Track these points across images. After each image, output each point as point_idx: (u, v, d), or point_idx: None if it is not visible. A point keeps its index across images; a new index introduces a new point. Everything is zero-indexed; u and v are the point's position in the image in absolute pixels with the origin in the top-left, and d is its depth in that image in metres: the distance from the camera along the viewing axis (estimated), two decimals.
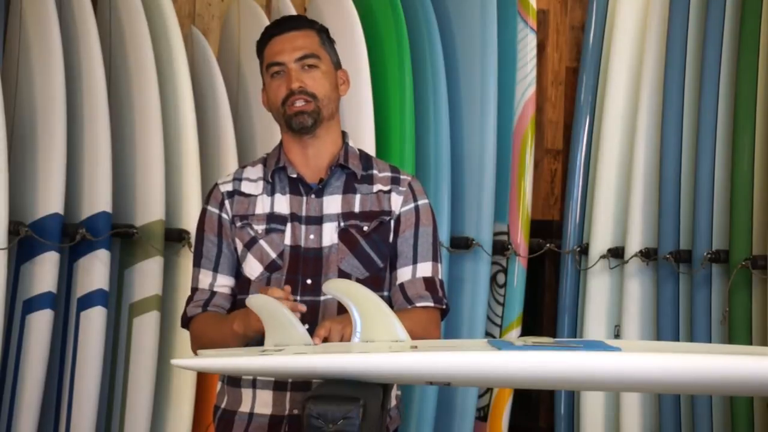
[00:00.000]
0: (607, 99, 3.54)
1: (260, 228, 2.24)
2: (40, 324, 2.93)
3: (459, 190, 3.44)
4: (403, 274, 2.26)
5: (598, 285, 3.54)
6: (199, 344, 2.23)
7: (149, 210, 3.15)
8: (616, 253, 3.47)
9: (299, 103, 2.23)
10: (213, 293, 2.27)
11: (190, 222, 3.18)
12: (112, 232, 3.07)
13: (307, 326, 2.15)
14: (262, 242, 2.23)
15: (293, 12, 3.40)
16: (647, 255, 3.36)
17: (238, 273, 2.28)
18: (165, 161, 3.14)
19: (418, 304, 2.23)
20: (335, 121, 2.30)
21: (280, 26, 2.30)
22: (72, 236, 3.00)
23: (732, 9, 3.17)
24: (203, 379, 3.19)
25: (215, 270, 2.28)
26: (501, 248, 3.51)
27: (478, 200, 3.42)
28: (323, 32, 2.32)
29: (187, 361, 1.99)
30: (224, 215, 2.28)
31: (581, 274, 3.63)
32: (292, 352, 1.86)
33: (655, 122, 3.37)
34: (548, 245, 3.64)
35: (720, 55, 3.17)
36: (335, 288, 2.01)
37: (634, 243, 3.39)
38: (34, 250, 2.96)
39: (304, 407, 1.63)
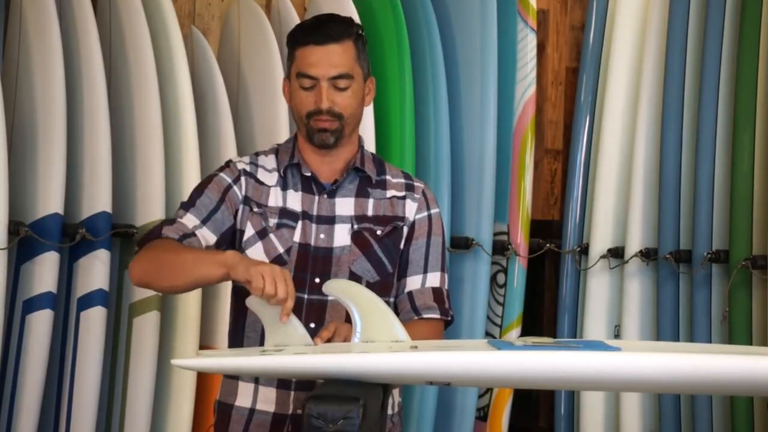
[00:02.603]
0: (607, 99, 3.54)
1: (272, 221, 2.21)
2: (40, 324, 2.93)
3: (459, 190, 3.44)
4: (413, 282, 2.25)
5: (598, 285, 3.54)
6: (155, 257, 2.13)
7: (149, 210, 3.14)
8: (616, 253, 3.47)
9: (324, 123, 2.20)
10: (193, 234, 2.17)
11: None
12: (112, 232, 3.07)
13: (313, 325, 2.16)
14: (272, 236, 2.21)
15: (293, 12, 3.40)
16: (647, 255, 3.36)
17: (220, 243, 2.21)
18: (165, 161, 3.14)
19: (425, 315, 2.23)
20: (355, 134, 2.29)
21: (320, 34, 2.22)
22: (72, 236, 3.00)
23: (732, 9, 3.17)
24: (203, 378, 3.19)
25: (203, 222, 2.19)
26: (501, 248, 3.51)
27: (478, 200, 3.42)
28: (360, 39, 2.26)
29: (187, 361, 1.99)
30: (236, 188, 2.24)
31: (581, 274, 3.63)
32: (292, 352, 1.86)
33: (655, 122, 3.37)
34: (548, 245, 3.64)
35: (720, 55, 3.17)
36: (335, 288, 2.01)
37: (634, 243, 3.39)
38: (34, 250, 2.95)
39: (304, 407, 1.63)
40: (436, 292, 2.25)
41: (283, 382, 2.20)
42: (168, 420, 3.17)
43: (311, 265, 2.20)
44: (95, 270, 3.05)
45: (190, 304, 3.18)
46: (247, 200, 2.24)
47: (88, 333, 3.02)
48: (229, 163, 2.29)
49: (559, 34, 4.03)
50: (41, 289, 2.94)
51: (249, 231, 2.22)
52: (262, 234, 2.21)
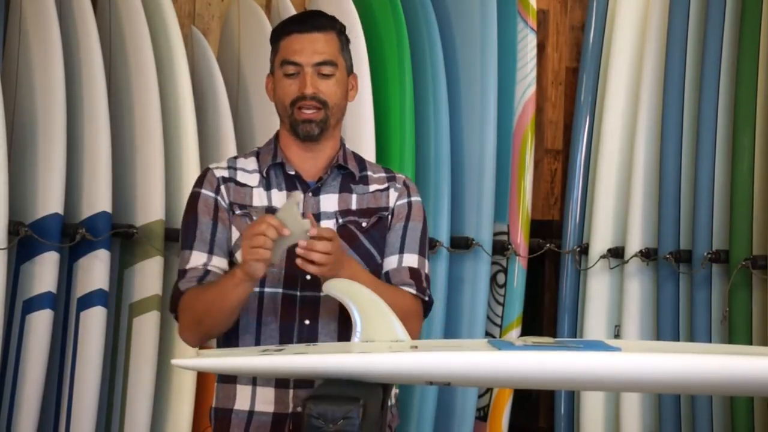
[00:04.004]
0: (607, 99, 3.54)
1: None
2: (40, 324, 2.93)
3: (459, 190, 3.43)
4: (389, 263, 2.26)
5: (598, 285, 3.54)
6: (192, 314, 2.17)
7: (149, 210, 3.15)
8: (616, 253, 3.47)
9: (309, 111, 2.21)
10: (207, 271, 2.20)
11: None
12: (112, 232, 3.07)
13: (308, 321, 2.17)
14: None
15: (293, 12, 3.40)
16: (647, 255, 3.36)
17: (230, 258, 2.24)
18: (165, 161, 3.14)
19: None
20: (338, 128, 2.30)
21: (304, 24, 2.26)
22: (72, 236, 3.00)
23: (732, 9, 3.16)
24: (203, 379, 3.19)
25: (210, 252, 2.21)
26: (501, 248, 3.51)
27: (478, 200, 3.42)
28: (343, 34, 2.29)
29: (187, 361, 1.99)
30: (220, 199, 2.24)
31: (581, 274, 3.63)
32: (292, 351, 1.86)
33: (655, 122, 3.37)
34: (548, 245, 3.64)
35: (720, 55, 3.17)
36: (335, 288, 2.01)
37: (634, 243, 3.39)
38: (34, 250, 2.96)
39: (304, 407, 1.62)
40: (413, 271, 2.25)
41: (281, 381, 2.20)
42: (168, 420, 3.17)
43: None
44: (95, 270, 3.05)
45: None
46: (232, 206, 2.24)
47: (88, 333, 3.02)
48: (206, 173, 2.29)
49: (559, 34, 4.03)
50: (41, 289, 2.94)
51: (235, 234, 2.23)
52: None
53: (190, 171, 3.20)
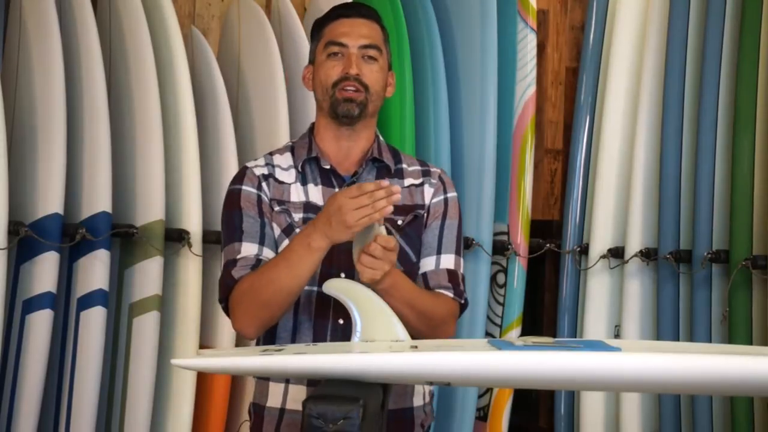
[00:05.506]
0: (607, 99, 3.54)
1: (297, 216, 2.20)
2: (40, 324, 2.93)
3: (459, 190, 3.39)
4: (427, 264, 2.24)
5: (598, 285, 3.54)
6: (253, 299, 2.10)
7: (149, 210, 3.15)
8: (616, 253, 3.47)
9: (351, 89, 2.19)
10: (259, 260, 2.16)
11: (190, 222, 3.18)
12: (112, 232, 3.07)
13: (341, 321, 2.17)
14: (298, 231, 2.18)
15: (293, 12, 3.40)
16: (647, 255, 3.36)
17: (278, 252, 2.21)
18: (165, 161, 3.14)
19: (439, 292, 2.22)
20: (374, 120, 2.29)
21: (350, 9, 2.27)
22: (72, 236, 3.01)
23: (732, 9, 3.17)
24: (204, 379, 3.19)
25: (261, 243, 2.18)
26: (501, 248, 3.51)
27: (478, 200, 3.42)
28: (384, 30, 2.30)
29: (187, 361, 1.99)
30: (263, 196, 2.21)
31: (581, 274, 3.63)
32: (292, 351, 1.86)
33: (655, 122, 3.37)
34: (548, 245, 3.64)
35: (720, 56, 3.17)
36: (335, 287, 2.00)
37: (634, 243, 3.39)
38: (34, 250, 2.96)
39: (305, 407, 1.62)
40: (451, 273, 2.24)
41: (313, 380, 2.17)
42: (168, 420, 3.17)
43: (336, 260, 2.17)
44: (95, 270, 3.05)
45: (190, 304, 3.18)
46: (271, 202, 2.22)
47: (88, 333, 3.02)
48: (245, 171, 2.26)
49: (559, 34, 4.03)
50: (41, 289, 2.94)
51: (276, 230, 2.21)
52: (288, 231, 2.20)
53: (190, 171, 3.20)
